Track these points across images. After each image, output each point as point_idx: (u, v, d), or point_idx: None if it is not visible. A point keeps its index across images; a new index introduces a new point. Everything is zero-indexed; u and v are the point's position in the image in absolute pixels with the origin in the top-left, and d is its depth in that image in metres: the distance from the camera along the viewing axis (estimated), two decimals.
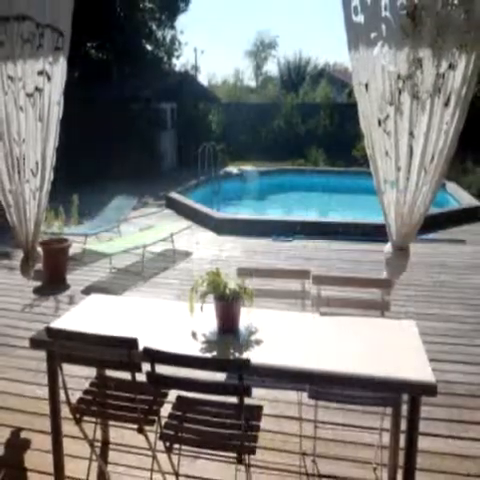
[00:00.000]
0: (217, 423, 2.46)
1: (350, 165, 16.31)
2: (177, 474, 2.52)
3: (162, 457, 2.51)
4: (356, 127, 4.22)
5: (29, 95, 3.64)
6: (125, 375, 2.46)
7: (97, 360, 2.60)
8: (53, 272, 6.30)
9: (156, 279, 6.53)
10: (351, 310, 3.20)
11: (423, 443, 2.87)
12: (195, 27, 62.37)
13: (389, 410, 2.80)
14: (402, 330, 2.66)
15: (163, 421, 2.45)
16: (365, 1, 3.02)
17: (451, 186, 11.77)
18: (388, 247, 3.45)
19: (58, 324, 2.63)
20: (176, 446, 2.43)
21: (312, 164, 17.55)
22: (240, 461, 2.27)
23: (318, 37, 77.48)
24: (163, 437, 2.38)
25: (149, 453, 2.64)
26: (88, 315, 2.91)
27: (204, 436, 2.40)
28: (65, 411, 2.64)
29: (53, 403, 2.70)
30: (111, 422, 3.14)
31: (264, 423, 2.57)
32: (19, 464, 3.03)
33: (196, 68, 30.05)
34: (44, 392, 2.94)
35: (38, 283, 6.16)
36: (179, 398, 2.64)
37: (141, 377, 2.34)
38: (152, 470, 2.68)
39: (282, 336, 2.61)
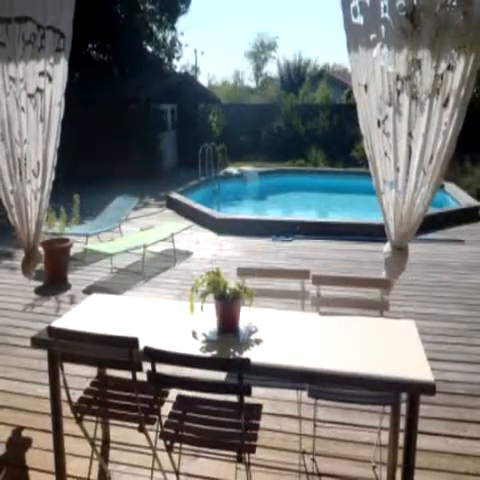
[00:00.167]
0: (217, 422, 2.47)
1: (349, 165, 16.32)
2: (177, 472, 2.54)
3: (162, 455, 2.52)
4: (355, 128, 4.24)
5: (30, 96, 3.66)
6: (126, 374, 2.47)
7: (98, 359, 2.62)
8: (54, 272, 6.32)
9: (157, 279, 6.55)
10: (350, 310, 3.22)
11: (422, 442, 2.89)
12: (195, 28, 62.48)
13: (388, 409, 2.81)
14: (401, 330, 2.68)
15: (163, 420, 2.46)
16: (364, 2, 3.04)
17: (450, 186, 11.78)
18: (387, 247, 3.47)
19: (59, 324, 2.65)
20: (176, 445, 2.44)
21: (312, 164, 17.59)
22: (240, 460, 2.28)
23: (317, 38, 77.70)
24: (163, 436, 2.39)
25: (150, 452, 2.66)
26: (89, 315, 2.92)
27: (204, 435, 2.42)
28: (66, 410, 2.66)
29: (54, 402, 2.71)
30: (112, 421, 3.16)
31: (264, 422, 2.58)
32: (20, 463, 3.05)
33: (196, 69, 30.14)
34: (45, 391, 2.96)
35: (39, 283, 6.18)
36: (179, 397, 2.66)
37: (142, 376, 2.36)
38: (153, 468, 2.71)
39: (282, 336, 2.63)
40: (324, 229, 8.75)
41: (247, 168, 15.92)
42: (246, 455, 2.31)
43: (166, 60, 20.96)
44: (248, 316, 2.67)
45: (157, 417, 2.45)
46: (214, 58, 76.12)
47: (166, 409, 2.57)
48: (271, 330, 2.65)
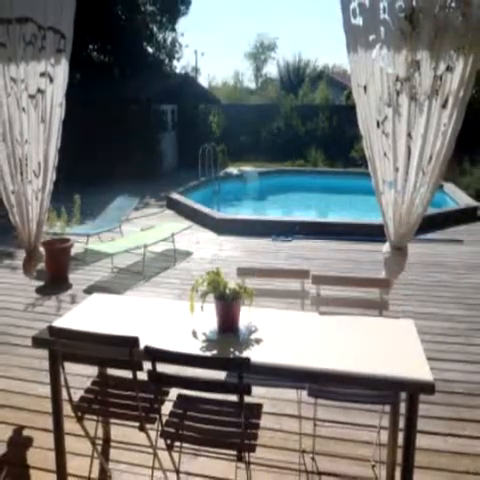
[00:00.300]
0: (217, 421, 2.48)
1: (349, 166, 16.33)
2: (178, 471, 2.55)
3: (163, 454, 2.53)
4: (355, 128, 4.25)
5: (31, 96, 3.68)
6: (126, 374, 2.49)
7: (99, 359, 2.63)
8: (55, 272, 6.34)
9: (157, 278, 6.56)
10: (350, 309, 3.23)
11: (421, 441, 2.90)
12: (195, 29, 62.53)
13: (387, 408, 2.83)
14: (400, 329, 2.69)
15: (164, 419, 2.47)
16: (364, 4, 3.05)
17: (449, 187, 11.80)
18: (386, 247, 3.48)
19: (60, 323, 2.66)
20: (177, 444, 2.45)
21: (311, 165, 17.61)
22: (240, 459, 2.30)
23: (317, 39, 77.74)
24: (164, 435, 2.40)
25: (150, 451, 2.67)
26: (90, 314, 2.93)
27: (204, 434, 2.43)
28: (67, 409, 2.67)
29: (55, 401, 2.72)
30: (112, 420, 3.17)
31: (264, 421, 2.59)
32: (21, 462, 3.06)
33: (196, 70, 30.16)
34: (46, 390, 2.98)
35: (40, 283, 6.19)
36: (180, 396, 2.67)
37: (142, 375, 2.37)
38: (153, 467, 2.72)
39: (282, 335, 2.64)
40: (324, 229, 8.77)
41: (247, 168, 15.93)
42: (246, 454, 2.32)
43: (166, 61, 20.99)
44: (248, 316, 2.68)
45: (157, 416, 2.46)
46: (214, 59, 76.30)
47: (166, 408, 2.58)
48: (271, 330, 2.67)
